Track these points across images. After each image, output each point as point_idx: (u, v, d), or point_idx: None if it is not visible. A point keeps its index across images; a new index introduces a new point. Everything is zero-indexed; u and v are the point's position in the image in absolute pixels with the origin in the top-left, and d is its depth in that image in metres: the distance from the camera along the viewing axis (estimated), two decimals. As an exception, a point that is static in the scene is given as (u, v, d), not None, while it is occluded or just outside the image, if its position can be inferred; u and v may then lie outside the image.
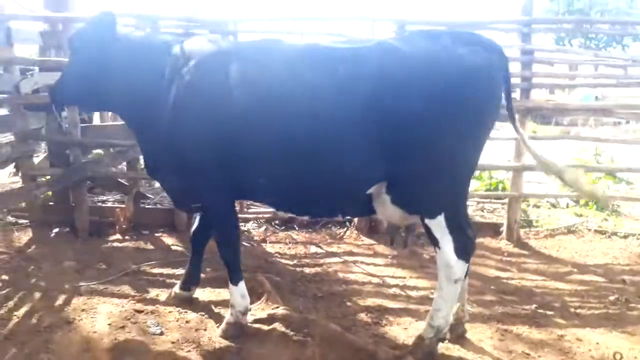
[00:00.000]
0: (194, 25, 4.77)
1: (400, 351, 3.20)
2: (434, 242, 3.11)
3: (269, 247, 5.20)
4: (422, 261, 5.02)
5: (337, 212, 3.38)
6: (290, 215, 4.27)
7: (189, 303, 3.84)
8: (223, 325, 3.42)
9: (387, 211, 3.16)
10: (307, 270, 4.63)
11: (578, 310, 4.05)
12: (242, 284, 3.43)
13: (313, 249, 5.21)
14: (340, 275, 4.54)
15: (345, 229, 5.75)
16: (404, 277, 4.59)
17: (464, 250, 3.08)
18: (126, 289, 4.10)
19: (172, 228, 5.49)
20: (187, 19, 4.79)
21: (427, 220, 3.06)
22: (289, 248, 5.22)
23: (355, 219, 5.75)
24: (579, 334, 3.64)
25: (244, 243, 5.25)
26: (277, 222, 5.80)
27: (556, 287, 4.55)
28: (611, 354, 3.35)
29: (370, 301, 4.02)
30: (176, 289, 3.89)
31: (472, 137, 2.99)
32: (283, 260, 4.87)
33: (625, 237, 5.97)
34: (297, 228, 5.72)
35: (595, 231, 6.11)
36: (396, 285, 4.39)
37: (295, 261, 4.85)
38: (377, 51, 2.95)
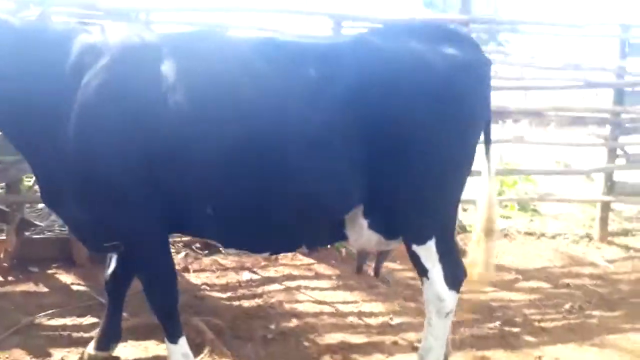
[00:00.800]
0: (95, 15, 3.85)
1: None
2: (422, 272, 2.67)
3: (194, 278, 4.42)
4: (369, 280, 4.56)
5: (302, 244, 2.78)
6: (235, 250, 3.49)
7: (109, 366, 3.01)
8: None
9: (362, 238, 2.66)
10: (246, 304, 3.96)
11: (542, 324, 3.85)
12: (183, 341, 2.71)
13: (246, 275, 4.53)
14: (287, 306, 3.93)
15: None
16: (357, 302, 4.10)
17: (456, 278, 2.70)
18: (18, 353, 3.13)
19: (70, 262, 4.47)
20: (86, 5, 3.86)
21: (414, 247, 2.61)
22: (218, 277, 4.49)
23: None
24: (555, 354, 3.41)
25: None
26: (198, 245, 5.02)
27: (510, 298, 4.36)
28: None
29: (330, 337, 3.47)
30: (90, 350, 3.01)
31: (464, 144, 2.61)
32: (215, 294, 4.14)
33: (554, 237, 6.06)
34: (223, 251, 4.99)
35: (525, 233, 6.12)
36: (351, 313, 3.89)
37: (229, 293, 4.15)
38: (356, 49, 2.47)
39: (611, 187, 5.88)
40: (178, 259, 4.81)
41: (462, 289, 4.36)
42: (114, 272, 2.97)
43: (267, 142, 2.38)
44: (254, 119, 2.37)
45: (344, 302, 4.07)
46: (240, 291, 4.20)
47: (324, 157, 2.40)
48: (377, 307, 4.03)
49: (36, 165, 2.67)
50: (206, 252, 4.95)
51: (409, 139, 2.44)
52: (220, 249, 4.96)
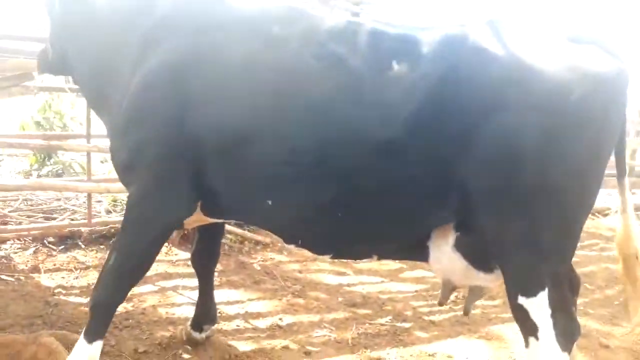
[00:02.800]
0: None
1: None
2: (529, 332, 2.11)
3: (47, 280, 3.70)
4: (254, 275, 4.21)
5: (372, 253, 2.42)
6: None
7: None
8: None
9: (444, 261, 2.26)
10: (112, 310, 3.37)
11: (431, 318, 3.80)
12: (98, 345, 2.41)
13: (112, 274, 3.89)
14: (162, 312, 3.43)
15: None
16: (243, 301, 3.72)
17: (570, 337, 2.13)
18: None
19: None
20: None
21: (521, 300, 2.08)
22: (77, 277, 3.81)
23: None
24: (446, 349, 3.35)
25: (1, 277, 3.64)
26: (51, 239, 4.25)
27: (398, 289, 4.28)
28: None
29: (213, 347, 3.05)
30: (187, 328, 3.01)
31: (592, 172, 2.10)
32: (72, 299, 3.48)
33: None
34: (83, 245, 4.28)
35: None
36: (237, 315, 3.50)
37: (90, 297, 3.50)
38: (462, 45, 2.08)
39: None
40: (26, 255, 4.02)
41: (347, 280, 4.30)
42: (198, 249, 2.99)
43: (346, 139, 2.10)
44: (331, 114, 2.11)
45: (228, 303, 3.67)
46: (105, 294, 3.58)
47: (407, 160, 2.07)
48: (265, 306, 3.69)
49: None
50: (62, 247, 4.21)
51: (523, 161, 1.97)
52: (80, 243, 4.28)
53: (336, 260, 4.40)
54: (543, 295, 2.05)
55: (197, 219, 2.56)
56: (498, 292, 4.38)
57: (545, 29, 2.12)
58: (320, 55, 2.18)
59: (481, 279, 2.30)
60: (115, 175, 4.62)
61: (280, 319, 3.51)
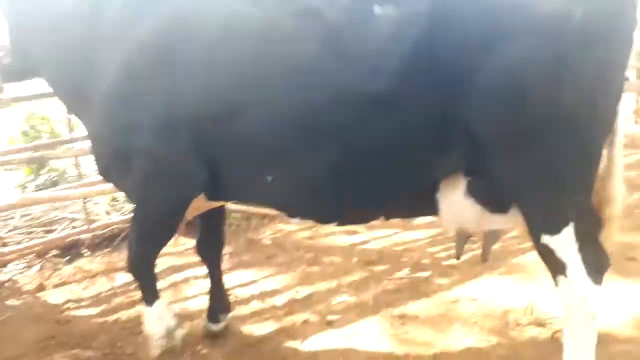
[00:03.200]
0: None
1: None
2: (558, 270, 2.00)
3: (55, 296, 3.62)
4: (265, 251, 4.11)
5: (380, 213, 2.28)
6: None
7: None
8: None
9: (456, 209, 2.10)
10: (124, 316, 3.30)
11: (450, 262, 3.67)
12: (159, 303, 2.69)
13: (121, 277, 3.82)
14: (176, 308, 3.33)
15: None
16: (256, 281, 3.63)
17: (600, 269, 2.03)
18: None
19: None
20: None
21: (546, 239, 1.95)
22: (86, 287, 3.73)
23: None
24: (469, 292, 3.27)
25: (10, 303, 3.57)
26: (55, 252, 4.16)
27: (413, 238, 4.16)
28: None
29: (233, 336, 2.98)
30: (205, 322, 3.00)
31: (606, 94, 1.90)
32: (83, 312, 3.41)
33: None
34: (87, 253, 4.19)
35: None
36: (252, 297, 3.41)
37: (102, 307, 3.44)
38: None
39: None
40: (30, 275, 3.95)
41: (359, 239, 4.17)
42: (202, 238, 2.94)
43: (335, 97, 1.97)
44: (316, 73, 1.98)
45: (241, 285, 3.57)
46: (116, 301, 3.51)
47: (404, 111, 1.92)
48: (280, 281, 3.60)
49: None
50: (67, 257, 4.13)
51: (527, 87, 1.81)
52: (83, 251, 4.19)
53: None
54: (568, 231, 1.92)
55: (197, 205, 2.48)
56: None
57: None
58: (296, 11, 2.02)
59: (498, 221, 2.17)
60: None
61: (297, 292, 3.43)
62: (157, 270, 3.74)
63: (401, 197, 2.15)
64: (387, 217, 2.34)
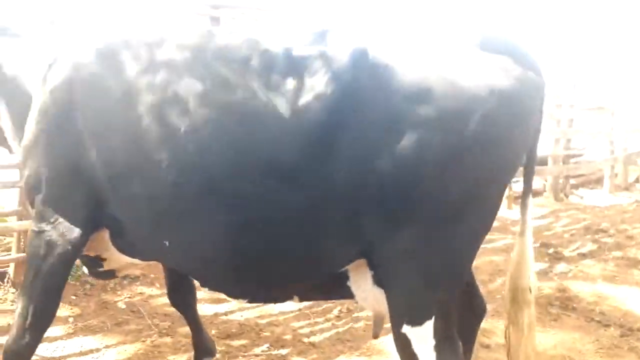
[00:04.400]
0: None
1: None
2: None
3: None
4: (117, 315, 3.77)
5: (291, 295, 2.19)
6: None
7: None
8: None
9: (369, 297, 2.04)
10: None
11: (311, 339, 3.59)
12: None
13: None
14: None
15: (-7, 285, 3.96)
16: (98, 349, 3.28)
17: None
18: None
19: None
20: None
21: (405, 328, 1.90)
22: None
23: (11, 269, 4.04)
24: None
25: None
26: None
27: (280, 310, 4.03)
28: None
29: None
30: None
31: (492, 195, 1.92)
32: None
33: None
34: None
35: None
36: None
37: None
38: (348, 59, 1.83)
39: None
40: None
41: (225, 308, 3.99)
42: (170, 286, 2.90)
43: (234, 168, 1.89)
44: (218, 141, 1.90)
45: (80, 354, 3.21)
46: None
47: (303, 191, 1.84)
48: (125, 351, 3.28)
49: None
50: None
51: (413, 179, 1.78)
52: None
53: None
54: (429, 325, 1.89)
55: (117, 258, 2.40)
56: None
57: (455, 36, 1.92)
58: (204, 76, 1.94)
59: None
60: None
61: (140, 364, 3.14)
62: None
63: (306, 281, 2.08)
64: (301, 299, 2.26)
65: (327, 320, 3.92)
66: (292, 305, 4.07)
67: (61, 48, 2.23)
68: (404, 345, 1.92)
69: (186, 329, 3.60)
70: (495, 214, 1.95)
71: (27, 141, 2.22)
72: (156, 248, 2.15)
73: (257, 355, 3.34)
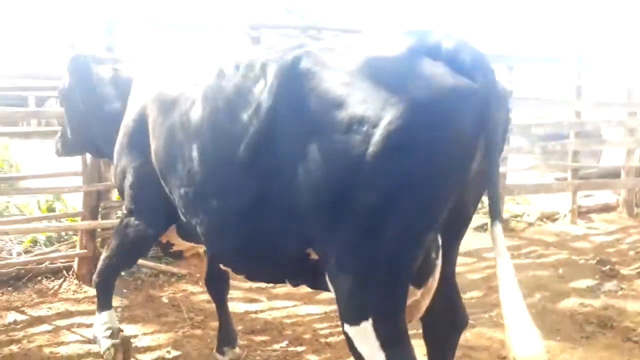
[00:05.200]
0: None
1: None
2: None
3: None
4: (159, 308, 4.21)
5: (281, 279, 2.46)
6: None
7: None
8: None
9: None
10: (-4, 353, 3.38)
11: (329, 340, 3.79)
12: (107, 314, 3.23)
13: (11, 316, 3.91)
14: (47, 351, 3.43)
15: (62, 279, 4.56)
16: (135, 336, 3.71)
17: None
18: None
19: None
20: None
21: (346, 327, 1.94)
22: (-23, 319, 3.82)
23: (75, 263, 4.63)
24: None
25: None
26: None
27: (307, 312, 4.27)
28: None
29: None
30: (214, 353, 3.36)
31: (422, 200, 1.83)
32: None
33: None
34: (-13, 289, 4.30)
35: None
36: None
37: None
38: (295, 69, 1.99)
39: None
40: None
41: (255, 307, 4.28)
42: (208, 273, 3.36)
43: (214, 164, 2.29)
44: (204, 144, 2.31)
45: (119, 338, 3.66)
46: (-4, 338, 3.59)
47: (259, 186, 2.09)
48: (158, 339, 3.69)
49: None
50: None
51: (332, 182, 1.87)
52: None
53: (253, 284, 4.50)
54: (367, 326, 1.86)
55: (181, 242, 3.03)
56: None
57: (398, 42, 1.88)
58: (203, 92, 2.35)
59: None
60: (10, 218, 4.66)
61: (168, 351, 3.51)
62: (47, 313, 3.91)
63: (282, 265, 2.28)
64: (292, 284, 2.42)
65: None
66: (317, 308, 4.30)
67: (143, 75, 3.02)
68: (349, 344, 1.96)
69: (216, 324, 3.96)
70: (431, 218, 1.88)
71: (118, 146, 2.95)
72: (194, 229, 2.54)
73: (274, 351, 3.59)
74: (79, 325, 3.83)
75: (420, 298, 2.10)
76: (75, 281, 4.55)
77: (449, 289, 2.25)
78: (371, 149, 1.76)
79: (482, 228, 7.02)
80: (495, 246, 1.83)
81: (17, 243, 5.05)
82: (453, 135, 1.76)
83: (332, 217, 1.90)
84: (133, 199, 2.91)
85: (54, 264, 4.60)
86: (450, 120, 1.75)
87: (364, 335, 1.88)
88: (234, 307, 4.26)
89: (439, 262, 2.07)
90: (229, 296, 4.33)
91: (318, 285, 2.21)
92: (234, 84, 2.19)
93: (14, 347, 3.45)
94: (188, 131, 2.38)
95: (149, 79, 2.89)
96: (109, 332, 3.13)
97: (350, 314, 1.92)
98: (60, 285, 4.48)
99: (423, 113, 1.72)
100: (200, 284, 4.73)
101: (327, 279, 2.02)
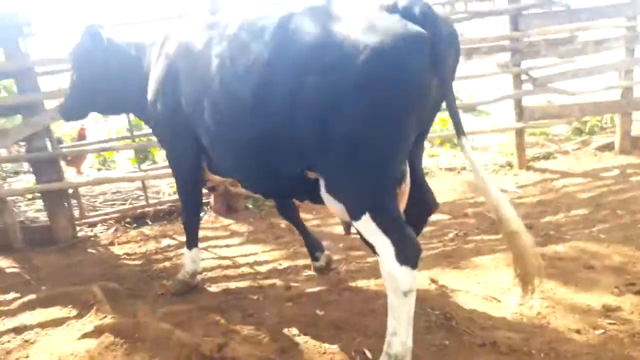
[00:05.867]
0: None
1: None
2: (371, 248, 2.56)
3: (118, 249, 4.90)
4: (278, 232, 4.98)
5: (282, 193, 3.36)
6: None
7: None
8: (174, 280, 3.87)
9: (328, 202, 2.69)
10: (154, 267, 4.41)
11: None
12: (194, 250, 3.84)
13: (165, 242, 4.99)
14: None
15: (203, 213, 5.57)
16: (256, 253, 4.52)
17: (406, 254, 2.40)
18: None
19: (8, 248, 4.98)
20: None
21: (354, 223, 2.53)
22: (140, 246, 4.96)
23: (212, 200, 5.60)
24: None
25: (89, 250, 4.91)
26: (127, 219, 5.48)
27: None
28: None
29: (216, 287, 3.91)
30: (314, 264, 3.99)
31: (391, 124, 2.37)
32: (130, 262, 4.61)
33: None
34: (150, 222, 5.45)
35: (446, 169, 6.40)
36: (246, 264, 4.31)
37: (143, 260, 4.61)
38: (288, 25, 2.57)
39: (520, 113, 6.06)
40: (108, 234, 5.29)
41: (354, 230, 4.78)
42: (278, 205, 4.00)
43: (229, 106, 2.85)
44: (215, 89, 2.90)
45: (244, 255, 4.49)
46: (154, 257, 4.66)
47: (262, 120, 2.67)
48: (273, 255, 4.43)
49: None
50: (134, 225, 5.42)
51: (326, 114, 2.39)
52: (148, 220, 5.45)
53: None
54: (367, 218, 2.41)
55: (213, 177, 3.60)
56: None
57: (366, 2, 2.44)
58: (212, 50, 2.96)
59: None
60: (160, 165, 5.70)
61: (280, 263, 4.23)
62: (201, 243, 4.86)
63: (287, 187, 2.90)
64: (297, 199, 3.14)
65: (441, 241, 4.44)
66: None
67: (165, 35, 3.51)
68: (361, 238, 2.57)
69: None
70: (402, 132, 2.39)
71: (151, 96, 3.45)
72: (220, 165, 3.25)
73: (367, 263, 4.12)
74: (215, 246, 4.74)
75: (400, 197, 2.61)
76: (213, 214, 5.52)
77: (418, 186, 2.84)
78: (350, 84, 2.31)
79: (607, 147, 6.67)
80: (464, 153, 2.42)
81: (169, 186, 6.21)
82: (411, 69, 2.29)
83: (325, 141, 2.44)
84: (171, 143, 3.55)
85: (196, 201, 5.63)
86: (407, 59, 2.28)
87: (368, 225, 2.43)
88: (337, 229, 4.85)
89: (407, 169, 2.64)
90: (333, 221, 4.99)
91: (317, 200, 2.81)
92: (242, 39, 2.77)
93: (167, 264, 4.46)
94: (209, 79, 2.91)
95: (175, 38, 3.37)
96: (193, 269, 3.82)
97: (352, 212, 2.49)
98: (202, 218, 5.48)
99: (386, 55, 2.26)
100: (314, 212, 5.41)
101: (322, 194, 2.65)
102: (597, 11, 5.99)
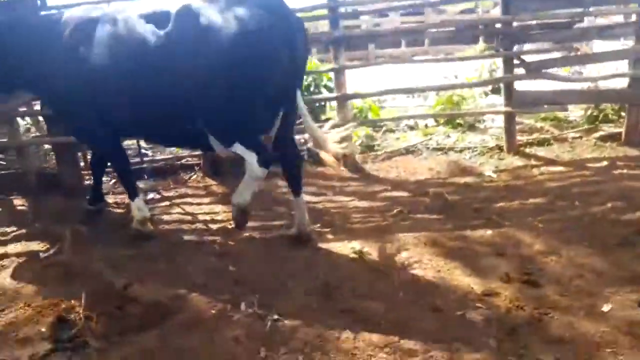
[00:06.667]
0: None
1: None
2: (243, 160, 3.74)
3: (111, 199, 5.58)
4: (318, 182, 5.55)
5: (180, 143, 4.62)
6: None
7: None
8: (129, 228, 4.49)
9: (215, 146, 3.88)
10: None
11: (354, 226, 4.49)
12: (138, 200, 4.44)
13: (151, 195, 5.61)
14: (156, 218, 4.96)
15: (192, 173, 6.14)
16: (217, 213, 5.01)
17: (266, 162, 3.69)
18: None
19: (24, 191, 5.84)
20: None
21: (232, 148, 3.73)
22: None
23: (202, 161, 6.14)
24: (338, 247, 4.07)
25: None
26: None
27: (355, 206, 4.98)
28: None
29: (167, 238, 4.46)
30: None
31: (254, 85, 3.55)
32: (116, 211, 5.28)
33: (461, 151, 6.37)
34: (146, 177, 6.10)
35: (434, 149, 6.50)
36: (203, 221, 4.82)
37: (126, 209, 5.25)
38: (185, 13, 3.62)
39: (509, 97, 5.99)
40: (108, 185, 6.01)
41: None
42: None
43: (135, 78, 3.76)
44: (126, 65, 3.77)
45: (206, 213, 5.01)
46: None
47: (165, 84, 3.67)
48: (229, 215, 4.89)
49: None
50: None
51: (201, 81, 3.55)
52: (144, 175, 6.11)
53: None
54: (237, 145, 3.68)
55: None
56: (455, 207, 4.73)
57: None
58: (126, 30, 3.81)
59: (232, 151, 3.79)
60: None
61: (230, 223, 4.68)
62: (174, 194, 5.44)
63: (184, 136, 3.95)
64: (192, 148, 4.80)
65: (382, 216, 4.68)
66: (371, 203, 4.97)
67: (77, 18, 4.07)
68: (236, 154, 3.75)
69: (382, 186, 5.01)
70: (264, 92, 3.59)
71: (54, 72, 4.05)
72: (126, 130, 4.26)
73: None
74: (187, 203, 5.31)
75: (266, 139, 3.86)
76: (201, 174, 6.08)
77: (285, 140, 4.02)
78: (225, 56, 3.49)
79: (612, 138, 6.43)
80: (303, 116, 3.89)
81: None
82: (268, 47, 3.54)
83: (209, 99, 3.55)
84: (76, 118, 4.24)
85: (189, 162, 6.21)
86: (264, 40, 3.53)
87: (240, 149, 3.69)
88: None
89: (277, 124, 3.84)
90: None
91: (209, 149, 3.97)
92: (146, 21, 3.70)
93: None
94: (115, 55, 3.75)
95: (83, 20, 3.96)
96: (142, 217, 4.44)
97: (228, 142, 3.74)
98: (190, 177, 6.07)
99: (249, 36, 3.47)
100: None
101: (211, 141, 3.80)
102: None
